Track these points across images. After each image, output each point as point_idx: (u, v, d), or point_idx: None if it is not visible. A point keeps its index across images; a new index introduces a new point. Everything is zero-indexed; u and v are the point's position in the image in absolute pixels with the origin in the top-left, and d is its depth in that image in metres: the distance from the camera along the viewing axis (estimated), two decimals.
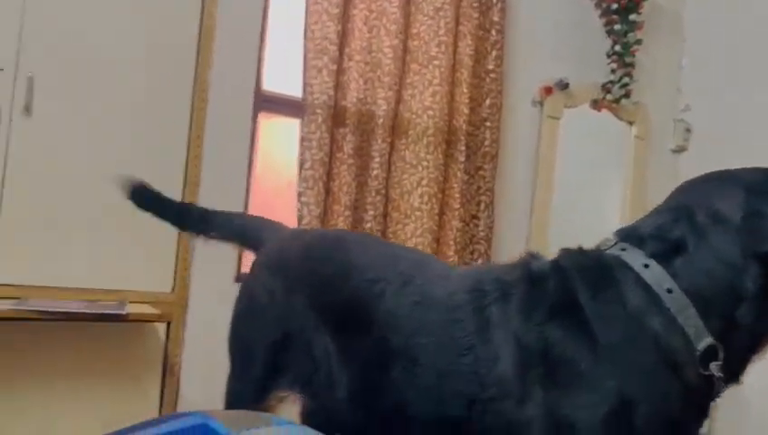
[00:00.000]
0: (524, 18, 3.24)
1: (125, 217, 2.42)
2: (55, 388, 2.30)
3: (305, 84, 2.69)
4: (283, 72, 2.83)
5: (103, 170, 2.41)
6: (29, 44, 2.29)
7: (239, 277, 2.68)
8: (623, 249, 1.10)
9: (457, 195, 2.97)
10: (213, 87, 2.60)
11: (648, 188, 3.55)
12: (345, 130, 2.76)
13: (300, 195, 2.66)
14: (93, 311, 2.21)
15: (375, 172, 2.80)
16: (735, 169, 1.13)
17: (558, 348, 1.04)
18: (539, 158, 3.30)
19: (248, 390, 1.42)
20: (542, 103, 3.30)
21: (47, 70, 2.32)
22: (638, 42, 3.41)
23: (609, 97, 3.41)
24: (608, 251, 1.13)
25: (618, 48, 3.38)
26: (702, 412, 1.07)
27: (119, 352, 2.42)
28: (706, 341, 1.02)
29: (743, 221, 1.04)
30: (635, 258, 1.08)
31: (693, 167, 3.45)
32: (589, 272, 1.09)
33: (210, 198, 2.60)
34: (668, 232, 1.08)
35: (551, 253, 1.21)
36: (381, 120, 2.80)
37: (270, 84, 2.83)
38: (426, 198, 2.87)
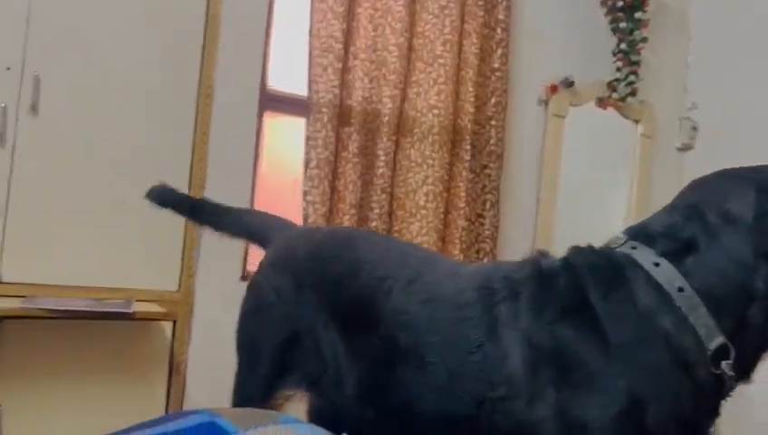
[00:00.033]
0: (530, 16, 3.23)
1: (131, 215, 2.44)
2: (62, 386, 2.30)
3: (310, 83, 2.69)
4: (289, 70, 2.83)
5: (109, 169, 2.42)
6: (35, 44, 2.29)
7: (245, 276, 2.68)
8: (633, 248, 1.10)
9: (463, 193, 2.97)
10: (218, 86, 2.60)
11: (654, 186, 3.54)
12: (350, 129, 2.76)
13: (305, 193, 2.66)
14: (100, 309, 2.21)
15: (380, 171, 2.80)
16: (746, 168, 1.12)
17: (569, 347, 1.03)
18: (544, 156, 3.29)
19: (256, 387, 1.42)
20: (547, 102, 3.29)
21: (53, 69, 2.32)
22: (644, 40, 3.39)
23: (614, 95, 3.40)
24: (618, 249, 1.12)
25: (623, 46, 3.37)
26: (713, 411, 1.07)
27: (125, 350, 2.42)
28: (718, 340, 1.02)
29: (754, 221, 1.04)
30: (645, 257, 1.07)
31: (699, 165, 3.44)
32: (599, 270, 1.08)
33: (216, 197, 2.58)
34: (679, 231, 1.08)
35: (556, 251, 1.21)
36: (387, 119, 2.79)
37: (275, 83, 2.83)
38: (431, 197, 2.87)
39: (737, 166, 1.15)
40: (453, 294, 1.16)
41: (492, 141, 3.05)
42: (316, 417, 1.41)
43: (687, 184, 1.18)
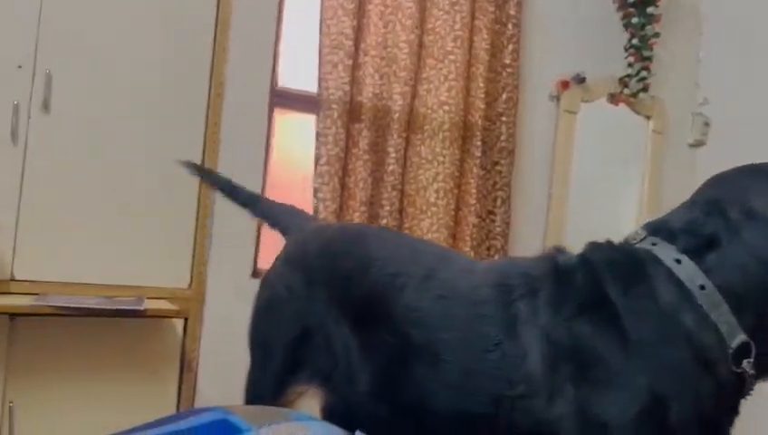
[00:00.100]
0: (541, 12, 3.22)
1: (143, 213, 2.45)
2: (73, 383, 2.31)
3: (320, 80, 2.68)
4: (299, 67, 2.83)
5: (121, 166, 2.43)
6: (47, 41, 2.30)
7: (256, 273, 2.68)
8: (654, 244, 1.09)
9: (473, 190, 2.96)
10: (228, 83, 2.60)
11: (666, 182, 3.51)
12: (361, 126, 2.75)
13: (316, 191, 2.66)
14: (111, 307, 2.22)
15: (391, 168, 2.79)
16: (767, 163, 1.11)
17: (588, 344, 1.02)
18: (555, 152, 3.28)
19: (268, 384, 1.42)
20: (558, 98, 3.27)
21: (65, 67, 2.33)
22: (656, 35, 3.37)
23: (626, 91, 3.38)
24: (637, 245, 1.11)
25: (635, 41, 3.35)
26: (733, 410, 1.06)
27: (136, 347, 2.43)
28: (740, 338, 1.01)
29: None
30: (666, 253, 1.06)
31: (711, 161, 3.45)
32: (619, 266, 1.07)
33: None
34: (700, 227, 1.06)
35: (568, 248, 1.19)
36: (397, 116, 2.79)
37: (285, 80, 2.83)
38: (442, 194, 2.86)
39: (750, 162, 1.14)
40: (468, 291, 1.15)
41: (503, 138, 3.04)
42: (329, 414, 1.41)
43: (707, 179, 1.16)
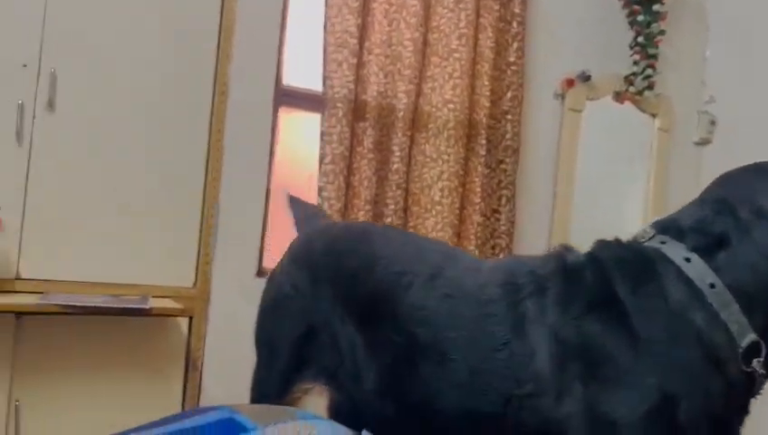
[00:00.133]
0: (546, 9, 3.21)
1: (148, 212, 2.46)
2: (79, 381, 2.31)
3: (325, 78, 2.68)
4: (303, 66, 2.83)
5: (126, 165, 2.43)
6: (51, 41, 2.30)
7: (260, 272, 2.68)
8: (662, 242, 1.08)
9: (478, 189, 2.95)
10: (233, 82, 2.60)
11: (672, 181, 3.50)
12: (365, 124, 2.75)
13: (320, 189, 2.66)
14: (117, 305, 2.22)
15: (395, 166, 2.79)
16: None
17: (597, 343, 1.01)
18: (560, 151, 3.27)
19: (274, 382, 1.42)
20: (563, 96, 3.26)
21: (70, 66, 2.33)
22: (662, 33, 3.35)
23: (631, 89, 3.37)
24: (646, 243, 1.10)
25: (641, 39, 3.33)
26: (743, 409, 1.05)
27: (141, 346, 2.43)
28: (750, 337, 1.00)
29: None
30: (676, 252, 1.05)
31: (717, 160, 3.44)
32: (628, 265, 1.07)
33: (231, 193, 2.61)
34: (710, 225, 1.06)
35: (574, 246, 1.19)
36: (402, 114, 2.78)
37: (290, 79, 2.82)
38: (446, 192, 2.85)
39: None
40: (475, 289, 1.15)
41: (508, 136, 3.03)
42: (335, 412, 1.41)
43: (716, 177, 1.16)
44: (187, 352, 2.52)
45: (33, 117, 2.29)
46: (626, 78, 3.36)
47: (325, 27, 2.68)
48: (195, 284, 2.55)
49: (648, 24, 3.33)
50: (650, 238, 1.11)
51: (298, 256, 1.47)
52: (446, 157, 2.86)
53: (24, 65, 2.27)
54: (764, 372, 1.01)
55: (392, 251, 1.31)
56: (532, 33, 3.14)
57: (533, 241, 3.12)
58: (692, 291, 1.02)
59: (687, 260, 1.04)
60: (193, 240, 2.54)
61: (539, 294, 1.08)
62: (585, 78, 3.26)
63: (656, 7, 3.32)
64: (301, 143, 2.88)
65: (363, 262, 1.31)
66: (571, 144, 3.28)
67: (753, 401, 1.05)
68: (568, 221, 3.25)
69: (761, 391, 1.04)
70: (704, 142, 3.59)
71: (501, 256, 2.98)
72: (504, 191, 3.03)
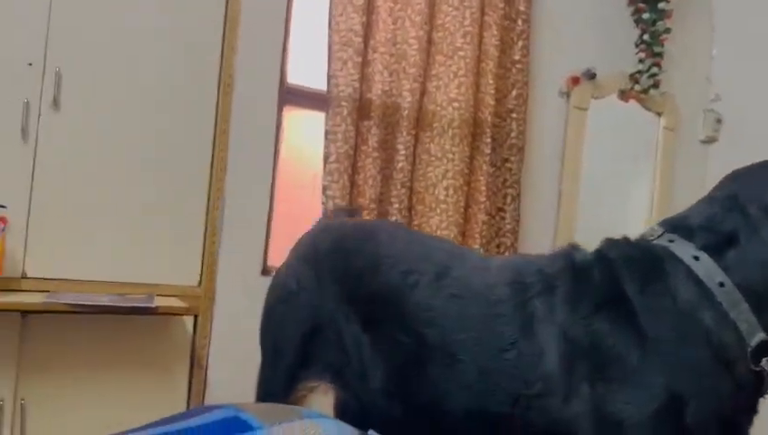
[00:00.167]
0: (550, 8, 3.20)
1: (153, 211, 2.46)
2: (84, 380, 2.32)
3: (330, 77, 2.67)
4: (308, 64, 2.82)
5: (131, 164, 2.43)
6: (57, 39, 2.30)
7: (265, 271, 2.68)
8: (671, 240, 1.07)
9: (483, 187, 2.94)
10: (238, 81, 2.60)
11: (678, 179, 3.49)
12: (370, 123, 2.74)
13: (325, 188, 2.65)
14: (122, 304, 2.22)
15: (400, 165, 2.78)
16: None
17: (605, 342, 1.01)
18: (566, 149, 3.26)
19: (279, 379, 1.42)
20: (568, 94, 3.26)
21: (75, 64, 2.33)
22: (667, 31, 3.34)
23: (637, 87, 3.35)
24: (655, 242, 1.10)
25: (646, 37, 3.32)
26: (751, 409, 1.04)
27: (147, 344, 2.43)
28: (759, 336, 0.99)
29: None
30: (684, 250, 1.04)
31: (723, 158, 3.42)
32: (636, 263, 1.06)
33: (236, 192, 2.61)
34: (719, 224, 1.05)
35: (581, 245, 1.18)
36: (406, 113, 2.78)
37: (295, 77, 2.82)
38: (451, 191, 2.85)
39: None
40: (483, 289, 1.14)
41: (513, 134, 3.02)
42: (342, 411, 1.40)
43: (726, 175, 1.15)
44: (192, 350, 2.53)
45: (39, 115, 2.29)
46: (631, 76, 3.35)
47: (330, 25, 2.68)
48: (200, 282, 2.55)
49: (654, 22, 3.32)
50: (659, 237, 1.10)
51: (304, 254, 1.47)
52: (450, 155, 2.85)
53: (30, 64, 2.27)
54: None
55: (397, 250, 1.30)
56: (537, 31, 3.13)
57: (539, 240, 3.11)
58: (701, 290, 1.01)
59: (696, 259, 1.03)
60: (198, 239, 2.54)
61: (547, 293, 1.08)
62: (590, 76, 3.26)
63: (661, 5, 3.31)
64: (305, 142, 2.87)
65: (368, 261, 1.31)
66: (577, 142, 3.27)
67: (761, 400, 1.05)
68: (573, 220, 3.24)
69: None
70: (709, 141, 3.58)
71: (506, 254, 2.97)
72: (509, 190, 3.02)
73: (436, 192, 2.84)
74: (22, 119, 2.26)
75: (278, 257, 2.51)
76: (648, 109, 3.46)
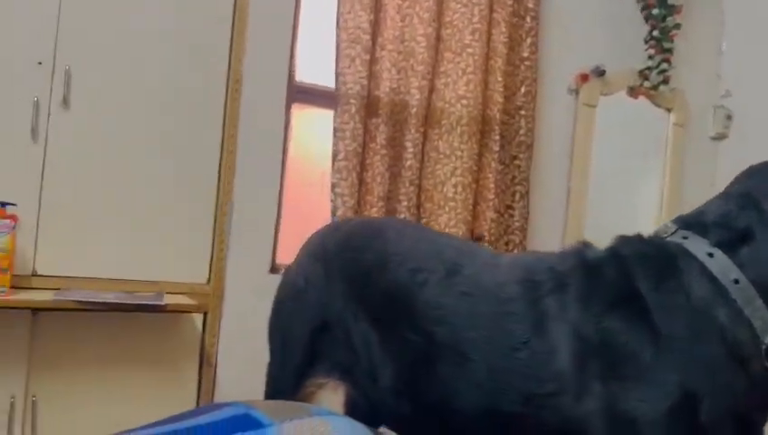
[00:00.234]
0: (559, 4, 3.18)
1: (162, 209, 2.46)
2: (94, 377, 2.33)
3: (338, 74, 2.67)
4: (316, 62, 2.82)
5: (140, 162, 2.44)
6: (66, 38, 2.31)
7: (274, 269, 2.69)
8: (685, 237, 1.07)
9: (492, 185, 2.94)
10: (246, 79, 2.60)
11: (687, 176, 3.47)
12: (378, 121, 2.74)
13: (333, 186, 2.65)
14: (132, 301, 2.23)
15: (408, 162, 2.78)
16: None
17: (618, 340, 1.00)
18: (575, 146, 3.24)
19: (288, 376, 1.42)
20: (577, 91, 3.24)
21: (84, 63, 2.34)
22: (677, 26, 3.32)
23: (646, 84, 3.33)
24: (668, 239, 1.09)
25: (656, 33, 3.30)
26: (766, 406, 1.04)
27: (156, 342, 2.44)
28: None
29: None
30: (698, 247, 1.04)
31: (734, 154, 3.40)
32: (650, 260, 1.05)
33: (244, 189, 2.61)
34: (734, 220, 1.04)
35: (591, 243, 1.17)
36: (414, 110, 2.77)
37: (303, 75, 2.82)
38: (460, 189, 2.84)
39: None
40: (493, 287, 1.14)
41: (521, 132, 3.01)
42: (351, 408, 1.40)
43: (741, 171, 1.14)
44: (201, 348, 2.53)
45: (49, 114, 2.30)
46: (641, 72, 3.33)
47: (338, 23, 2.68)
48: (209, 280, 2.55)
49: (664, 18, 3.29)
50: (672, 234, 1.09)
51: (313, 252, 1.47)
52: (459, 153, 2.85)
53: (39, 63, 2.28)
54: None
55: (405, 248, 1.30)
56: (545, 28, 3.12)
57: (547, 237, 3.10)
58: (715, 287, 1.00)
59: (710, 255, 1.02)
60: (207, 237, 2.55)
61: (559, 291, 1.07)
62: (599, 73, 3.24)
63: (671, 1, 3.28)
64: (314, 140, 2.87)
65: (376, 259, 1.30)
66: (586, 139, 3.25)
67: None
68: (582, 217, 3.23)
69: None
70: (720, 137, 3.56)
71: (515, 251, 2.96)
72: (518, 187, 3.01)
73: (445, 190, 2.84)
74: (31, 118, 2.27)
75: (286, 255, 2.52)
76: (658, 105, 3.44)
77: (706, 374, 0.98)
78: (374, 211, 2.71)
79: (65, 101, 2.31)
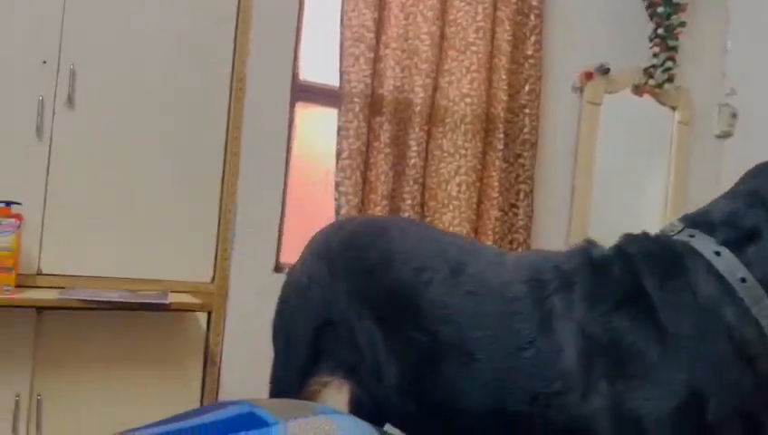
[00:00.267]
0: (563, 2, 3.17)
1: (166, 208, 2.47)
2: (99, 375, 2.33)
3: (342, 73, 2.67)
4: (320, 61, 2.82)
5: (145, 161, 2.44)
6: (71, 37, 2.32)
7: (278, 268, 2.69)
8: (692, 236, 1.06)
9: (496, 183, 2.93)
10: (250, 78, 2.60)
11: (692, 174, 3.46)
12: (382, 119, 2.74)
13: (337, 184, 2.65)
14: (136, 300, 2.23)
15: (412, 161, 2.78)
16: None
17: (624, 338, 1.00)
18: (579, 144, 3.24)
19: (291, 374, 1.42)
20: (582, 89, 3.23)
21: (89, 62, 2.34)
22: (682, 24, 3.31)
23: (651, 82, 3.33)
24: (675, 237, 1.08)
25: (660, 31, 3.29)
26: None
27: (161, 340, 2.44)
28: None
29: None
30: (705, 245, 1.03)
31: (739, 153, 3.39)
32: (656, 258, 1.05)
33: (248, 189, 2.61)
34: (741, 219, 1.04)
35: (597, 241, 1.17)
36: (418, 109, 2.77)
37: (307, 74, 2.82)
38: (464, 187, 2.84)
39: None
40: (499, 286, 1.13)
41: (525, 130, 3.01)
42: (356, 407, 1.40)
43: (747, 171, 1.13)
44: (205, 346, 2.54)
45: (53, 113, 2.31)
46: (645, 70, 3.32)
47: (342, 22, 2.67)
48: (213, 279, 2.56)
49: (668, 16, 3.29)
50: (679, 232, 1.09)
51: (317, 250, 1.46)
52: (463, 151, 2.84)
53: (44, 62, 2.28)
54: None
55: (409, 246, 1.29)
56: (549, 26, 3.11)
57: (552, 236, 3.10)
58: (722, 285, 1.00)
59: (717, 254, 1.02)
60: (211, 236, 2.55)
61: (565, 290, 1.07)
62: (604, 71, 3.23)
63: None
64: (318, 138, 2.87)
65: (380, 257, 1.30)
66: (590, 138, 3.25)
67: None
68: (586, 215, 3.22)
69: None
70: (725, 135, 3.55)
71: (519, 250, 2.96)
72: (522, 186, 3.01)
73: (449, 188, 2.84)
74: (36, 117, 2.27)
75: (290, 254, 2.52)
76: (663, 103, 3.44)
77: (713, 373, 0.97)
78: (378, 210, 2.71)
79: (70, 101, 2.32)
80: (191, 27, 2.50)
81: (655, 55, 3.31)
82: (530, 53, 3.02)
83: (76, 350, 2.31)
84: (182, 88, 2.49)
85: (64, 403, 2.27)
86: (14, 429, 2.20)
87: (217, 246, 2.56)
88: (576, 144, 3.24)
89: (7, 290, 2.11)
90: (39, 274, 2.30)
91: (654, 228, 1.16)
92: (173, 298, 2.31)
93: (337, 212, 2.64)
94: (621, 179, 3.34)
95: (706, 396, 0.96)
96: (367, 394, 1.32)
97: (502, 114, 2.93)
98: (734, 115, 3.52)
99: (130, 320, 2.36)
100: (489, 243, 2.90)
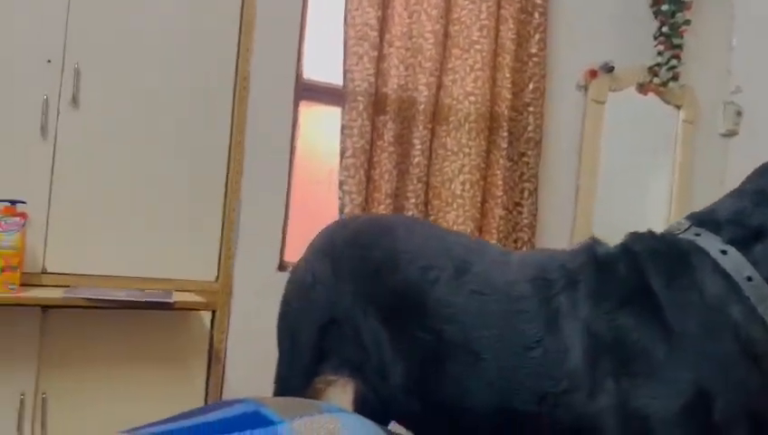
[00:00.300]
0: (567, 0, 3.17)
1: (171, 207, 2.47)
2: (103, 374, 2.34)
3: (346, 72, 2.67)
4: (324, 59, 2.82)
5: (149, 160, 2.44)
6: (75, 36, 2.32)
7: (282, 266, 2.69)
8: (697, 234, 1.06)
9: (500, 182, 2.93)
10: (254, 76, 2.60)
11: (697, 173, 3.45)
12: (386, 118, 2.73)
13: (341, 183, 2.65)
14: (141, 299, 2.24)
15: (416, 160, 2.77)
16: None
17: (630, 337, 0.99)
18: (583, 143, 3.23)
19: (296, 373, 1.42)
20: (586, 87, 3.23)
21: (93, 61, 2.35)
22: (687, 22, 3.30)
23: (656, 80, 3.31)
24: (681, 235, 1.08)
25: (665, 29, 3.28)
26: None
27: (165, 339, 2.45)
28: None
29: None
30: (711, 244, 1.03)
31: (744, 151, 3.38)
32: (662, 257, 1.05)
33: (252, 187, 2.61)
34: (748, 217, 1.03)
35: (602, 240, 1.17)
36: (422, 107, 2.77)
37: (310, 73, 2.82)
38: (468, 186, 2.84)
39: None
40: (504, 286, 1.13)
41: (530, 128, 3.00)
42: (361, 405, 1.40)
43: (754, 169, 1.13)
44: (210, 345, 2.54)
45: (58, 112, 2.31)
46: (650, 69, 3.31)
47: (345, 20, 2.67)
48: (217, 278, 2.56)
49: (673, 14, 3.27)
50: (685, 230, 1.09)
51: (321, 249, 1.46)
52: (467, 150, 2.84)
53: (49, 61, 2.29)
54: None
55: (415, 245, 1.29)
56: (553, 24, 3.10)
57: (556, 234, 3.09)
58: (728, 284, 1.00)
59: (724, 253, 1.02)
60: (215, 235, 2.55)
61: (571, 288, 1.06)
62: (608, 69, 3.22)
63: None
64: (321, 137, 2.87)
65: (385, 256, 1.30)
66: (594, 136, 3.24)
67: None
68: (591, 214, 3.21)
69: None
70: (730, 134, 3.53)
71: (523, 249, 2.95)
72: (527, 184, 3.00)
73: (453, 187, 2.83)
74: (41, 116, 2.28)
75: (294, 252, 2.51)
76: (667, 102, 3.42)
77: (720, 372, 0.97)
78: (382, 208, 2.71)
79: (74, 100, 2.32)
80: (195, 27, 2.50)
81: (659, 53, 3.30)
82: (534, 51, 3.01)
83: (81, 348, 2.32)
84: (186, 87, 2.49)
85: (69, 402, 2.28)
86: (19, 427, 2.20)
87: (221, 244, 2.56)
88: (580, 142, 3.23)
89: (12, 289, 2.11)
90: (44, 272, 2.31)
91: (658, 227, 1.16)
92: (177, 297, 2.32)
93: (341, 211, 2.64)
94: (626, 178, 3.33)
95: (713, 395, 0.95)
96: (372, 393, 1.32)
97: (506, 113, 2.93)
98: (739, 113, 3.51)
99: (135, 319, 2.36)
100: (493, 242, 2.89)
